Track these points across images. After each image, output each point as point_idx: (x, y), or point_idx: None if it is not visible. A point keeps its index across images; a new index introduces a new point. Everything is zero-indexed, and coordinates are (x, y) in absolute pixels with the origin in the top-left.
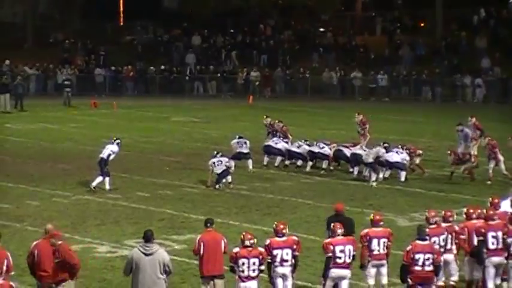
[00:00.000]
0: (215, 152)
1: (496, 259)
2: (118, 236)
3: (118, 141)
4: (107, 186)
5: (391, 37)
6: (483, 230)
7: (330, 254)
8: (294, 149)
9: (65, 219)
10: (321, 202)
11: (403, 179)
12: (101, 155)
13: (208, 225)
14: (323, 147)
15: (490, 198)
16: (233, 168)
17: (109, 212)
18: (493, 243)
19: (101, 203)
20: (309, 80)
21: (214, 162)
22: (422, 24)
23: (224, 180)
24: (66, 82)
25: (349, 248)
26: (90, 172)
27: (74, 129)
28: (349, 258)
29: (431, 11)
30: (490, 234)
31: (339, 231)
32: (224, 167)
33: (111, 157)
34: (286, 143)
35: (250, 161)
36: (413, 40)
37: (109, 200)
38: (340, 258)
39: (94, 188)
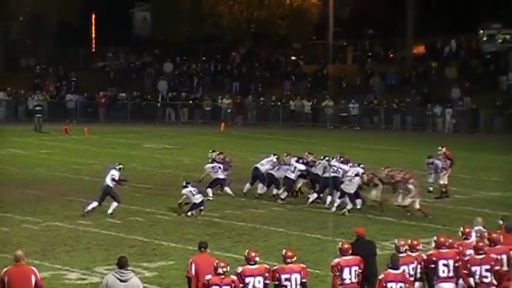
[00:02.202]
0: (185, 182)
1: (445, 285)
2: (88, 263)
3: (120, 166)
4: (110, 211)
5: (362, 66)
6: (434, 258)
7: (338, 274)
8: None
9: (34, 246)
10: (292, 230)
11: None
12: (106, 182)
13: (202, 249)
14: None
15: (462, 228)
16: (212, 196)
17: (79, 238)
18: (443, 271)
19: (71, 230)
20: (280, 108)
21: (191, 191)
22: (393, 54)
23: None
24: (37, 108)
25: (355, 268)
26: (60, 198)
27: (45, 155)
28: (355, 278)
29: (402, 40)
30: (441, 262)
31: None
32: (203, 197)
33: (113, 183)
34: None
35: (227, 188)
36: (384, 69)
37: (80, 227)
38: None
39: (110, 213)
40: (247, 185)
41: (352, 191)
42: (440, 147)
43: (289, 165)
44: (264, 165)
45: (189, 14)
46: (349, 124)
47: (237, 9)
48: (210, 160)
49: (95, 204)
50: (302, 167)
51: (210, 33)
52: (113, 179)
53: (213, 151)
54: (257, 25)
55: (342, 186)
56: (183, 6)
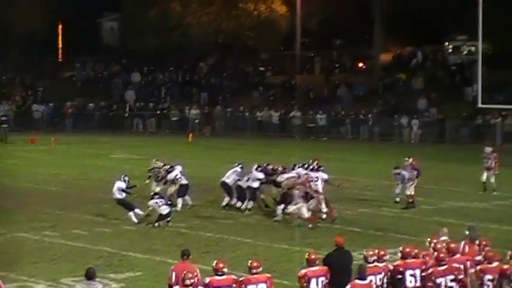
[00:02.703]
0: (152, 193)
1: None
2: (54, 275)
3: (126, 178)
4: (135, 219)
5: (330, 77)
6: (401, 269)
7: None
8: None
9: None
10: (260, 241)
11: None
12: (115, 196)
13: (185, 257)
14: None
15: (429, 238)
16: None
17: (45, 249)
18: (410, 282)
19: (37, 241)
20: (248, 119)
21: (157, 202)
22: (360, 65)
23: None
24: (3, 118)
25: (322, 279)
26: (27, 208)
27: (11, 166)
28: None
29: (369, 51)
30: (408, 272)
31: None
32: (169, 208)
33: (123, 194)
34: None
35: (188, 197)
36: (351, 80)
37: (45, 238)
38: None
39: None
40: (226, 199)
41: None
42: (407, 158)
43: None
44: (230, 177)
45: (157, 25)
46: (316, 135)
47: (205, 20)
48: (152, 168)
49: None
50: (261, 175)
51: (178, 44)
52: (123, 190)
53: (157, 160)
54: (225, 36)
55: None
56: (151, 17)
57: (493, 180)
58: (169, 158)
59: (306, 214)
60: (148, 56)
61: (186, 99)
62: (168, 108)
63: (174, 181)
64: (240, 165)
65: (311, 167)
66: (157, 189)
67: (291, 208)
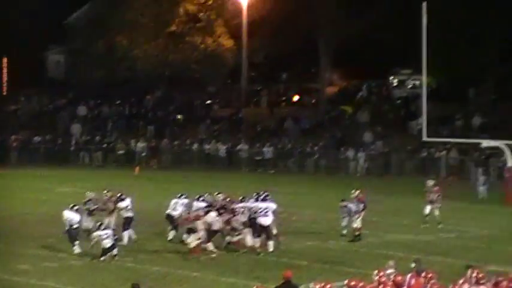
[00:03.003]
0: (97, 225)
1: None
2: None
3: (77, 207)
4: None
5: (276, 110)
6: None
7: None
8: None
9: None
10: (207, 274)
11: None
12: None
13: None
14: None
15: (375, 271)
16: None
17: None
18: None
19: None
20: (195, 151)
21: (100, 235)
22: (306, 99)
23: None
24: None
25: None
26: None
27: None
28: None
29: (315, 85)
30: None
31: None
32: (113, 241)
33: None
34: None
35: (131, 231)
36: (298, 113)
37: None
38: None
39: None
40: (172, 232)
41: (269, 223)
42: (353, 191)
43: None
44: (178, 209)
45: (104, 58)
46: (263, 167)
47: (152, 53)
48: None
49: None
50: (202, 204)
51: (124, 77)
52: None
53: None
54: (172, 69)
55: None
56: (97, 50)
57: (437, 213)
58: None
59: (250, 242)
60: (95, 89)
61: (132, 132)
62: (115, 141)
63: (120, 211)
64: (184, 196)
65: (261, 197)
66: (90, 223)
67: (235, 238)
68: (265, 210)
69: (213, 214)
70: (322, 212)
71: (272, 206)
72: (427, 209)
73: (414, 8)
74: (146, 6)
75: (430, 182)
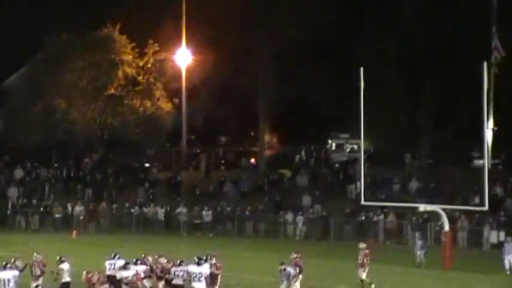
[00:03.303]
0: None
1: None
2: None
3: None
4: None
5: (214, 173)
6: None
7: None
8: None
9: None
10: None
11: None
12: None
13: None
14: None
15: None
16: None
17: None
18: None
19: None
20: (134, 215)
21: None
22: (245, 162)
23: None
24: None
25: None
26: None
27: None
28: None
29: (254, 148)
30: None
31: None
32: None
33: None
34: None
35: None
36: (237, 176)
37: None
38: None
39: None
40: None
41: None
42: (294, 254)
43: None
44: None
45: (42, 120)
46: (202, 231)
47: (90, 116)
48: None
49: None
50: (142, 267)
51: (62, 139)
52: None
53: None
54: (110, 132)
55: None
56: (35, 112)
57: (364, 276)
58: (52, 256)
59: None
60: (32, 152)
61: (70, 195)
62: (52, 204)
63: (58, 273)
64: (118, 257)
65: (196, 261)
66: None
67: None
68: (199, 276)
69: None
70: (260, 276)
71: (206, 271)
72: (361, 271)
73: (352, 73)
74: (84, 69)
75: (362, 245)
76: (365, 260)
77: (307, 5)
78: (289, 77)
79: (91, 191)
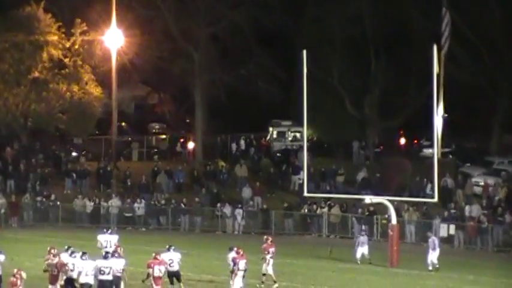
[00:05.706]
0: None
1: None
2: None
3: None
4: None
5: (144, 163)
6: None
7: None
8: None
9: None
10: None
11: None
12: None
13: None
14: None
15: None
16: None
17: None
18: None
19: None
20: (60, 208)
21: None
22: (181, 151)
23: None
24: None
25: None
26: None
27: None
28: None
29: (190, 137)
30: None
31: None
32: None
33: None
34: None
35: None
36: (172, 167)
37: None
38: None
39: None
40: None
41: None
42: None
43: None
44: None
45: None
46: (134, 225)
47: (12, 102)
48: None
49: None
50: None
51: None
52: None
53: None
54: (34, 119)
55: None
56: None
57: (266, 271)
58: None
59: None
60: None
61: None
62: None
63: None
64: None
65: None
66: None
67: None
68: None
69: None
70: (197, 272)
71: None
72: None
73: (295, 56)
74: (6, 51)
75: (269, 238)
76: (265, 253)
77: None
78: (229, 60)
79: (13, 182)
